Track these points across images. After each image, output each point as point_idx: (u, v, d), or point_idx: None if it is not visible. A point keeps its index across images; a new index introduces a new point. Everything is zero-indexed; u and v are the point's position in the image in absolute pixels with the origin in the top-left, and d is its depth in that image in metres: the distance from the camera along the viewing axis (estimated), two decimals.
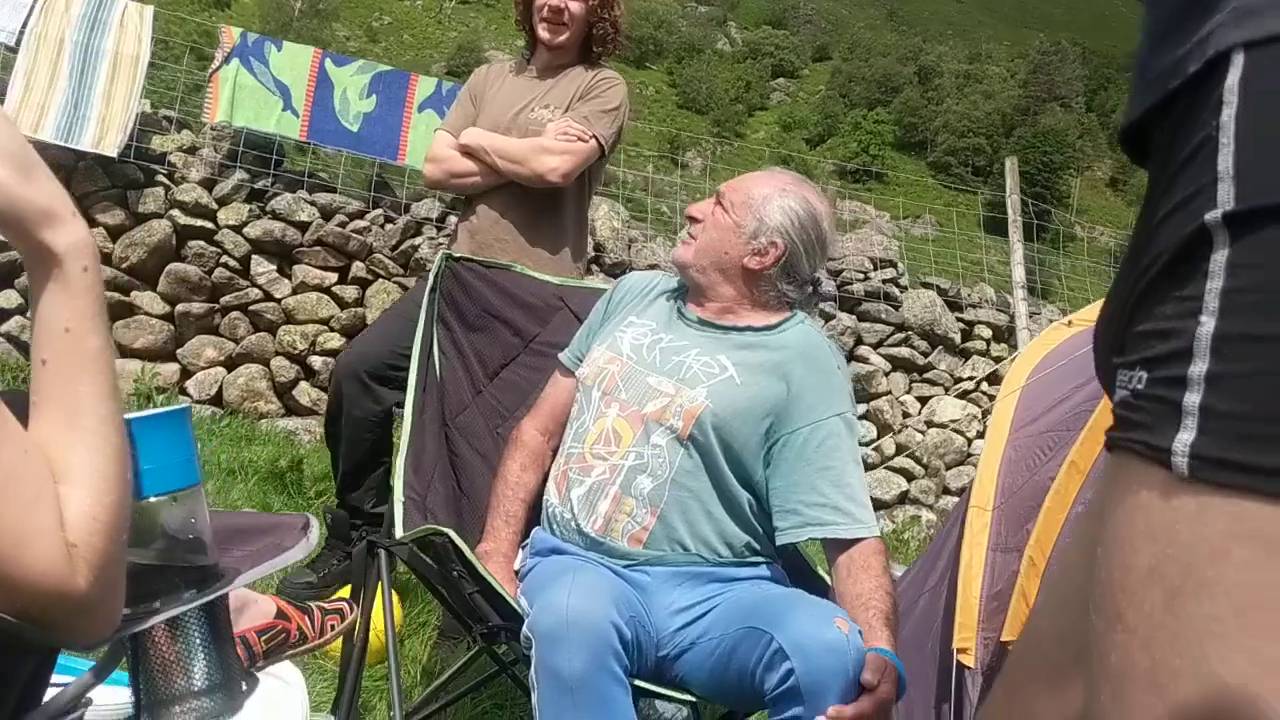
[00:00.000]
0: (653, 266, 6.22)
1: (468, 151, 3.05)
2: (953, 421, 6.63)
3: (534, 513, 2.22)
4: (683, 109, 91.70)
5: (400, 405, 3.04)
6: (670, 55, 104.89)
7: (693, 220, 2.22)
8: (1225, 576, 0.50)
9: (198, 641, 0.98)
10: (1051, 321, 7.13)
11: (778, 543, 2.07)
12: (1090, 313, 2.82)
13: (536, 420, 2.30)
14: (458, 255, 2.63)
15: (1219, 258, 0.53)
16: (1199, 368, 0.52)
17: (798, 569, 2.23)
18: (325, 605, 1.71)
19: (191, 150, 5.98)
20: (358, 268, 5.99)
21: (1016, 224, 6.99)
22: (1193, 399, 0.52)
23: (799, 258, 2.14)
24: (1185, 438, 0.52)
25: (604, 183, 7.77)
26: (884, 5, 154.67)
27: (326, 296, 5.94)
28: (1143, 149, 0.65)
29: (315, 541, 1.17)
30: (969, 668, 2.23)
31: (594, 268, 6.01)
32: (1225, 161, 0.54)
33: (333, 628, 1.67)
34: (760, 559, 2.09)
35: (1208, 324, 0.53)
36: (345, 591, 2.23)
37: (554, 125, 2.98)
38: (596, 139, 3.00)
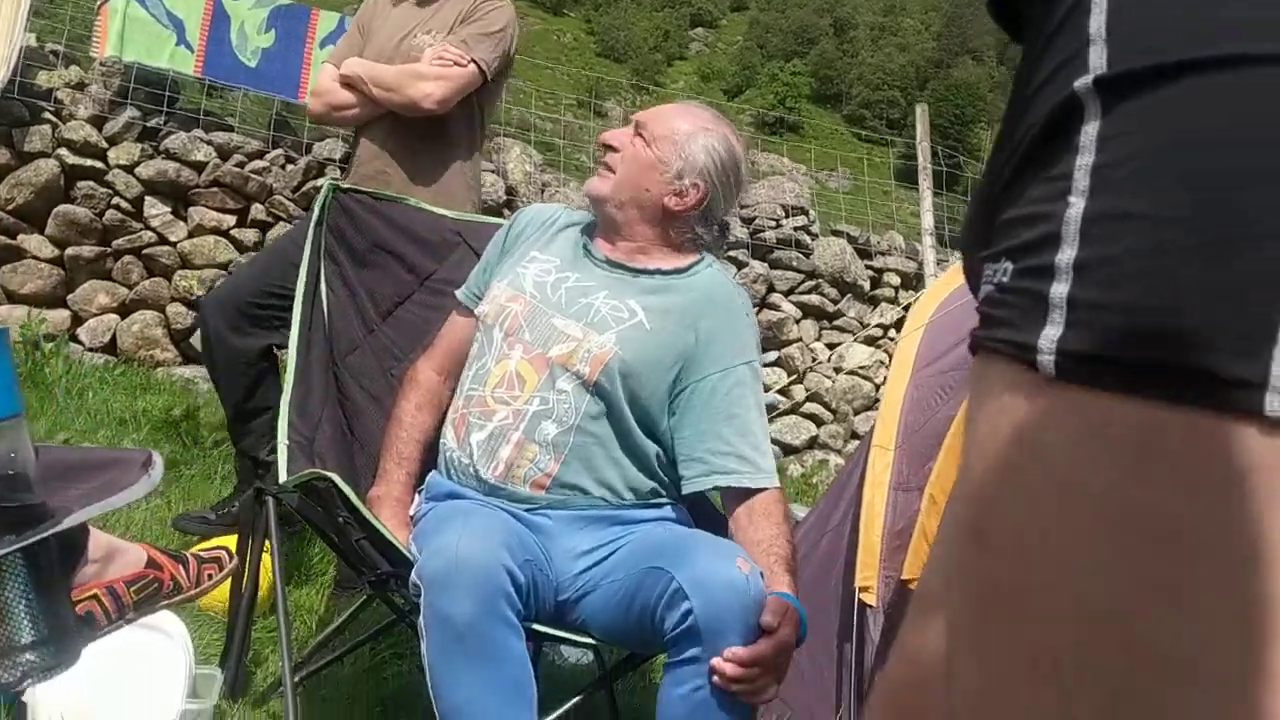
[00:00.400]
0: None
1: (348, 83, 2.94)
2: (861, 368, 6.69)
3: (430, 455, 2.14)
4: (601, 57, 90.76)
5: (281, 346, 2.93)
6: (588, 3, 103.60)
7: (609, 149, 2.10)
8: (1092, 487, 0.45)
9: (19, 589, 0.89)
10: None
11: (683, 491, 2.04)
12: None
13: (432, 360, 2.22)
14: (345, 186, 2.52)
15: (1090, 130, 0.47)
16: (1066, 254, 0.46)
17: (704, 512, 2.20)
18: (202, 553, 1.62)
19: (80, 86, 5.68)
20: (257, 210, 5.78)
21: (926, 171, 7.03)
22: (1060, 289, 0.46)
23: (717, 201, 2.07)
24: (1051, 333, 0.46)
25: (521, 127, 7.64)
26: None
27: (225, 240, 5.73)
28: (1016, 20, 0.58)
29: (158, 478, 1.09)
30: (870, 606, 2.23)
31: (505, 212, 5.90)
32: (1097, 22, 0.48)
33: (210, 577, 1.58)
34: (665, 501, 2.06)
35: (1076, 205, 0.46)
36: (230, 540, 2.14)
37: (430, 50, 2.87)
38: (476, 63, 2.87)
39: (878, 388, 6.75)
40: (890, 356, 6.80)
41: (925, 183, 6.98)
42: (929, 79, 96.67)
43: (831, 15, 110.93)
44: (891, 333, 6.80)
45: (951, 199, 8.55)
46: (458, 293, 2.27)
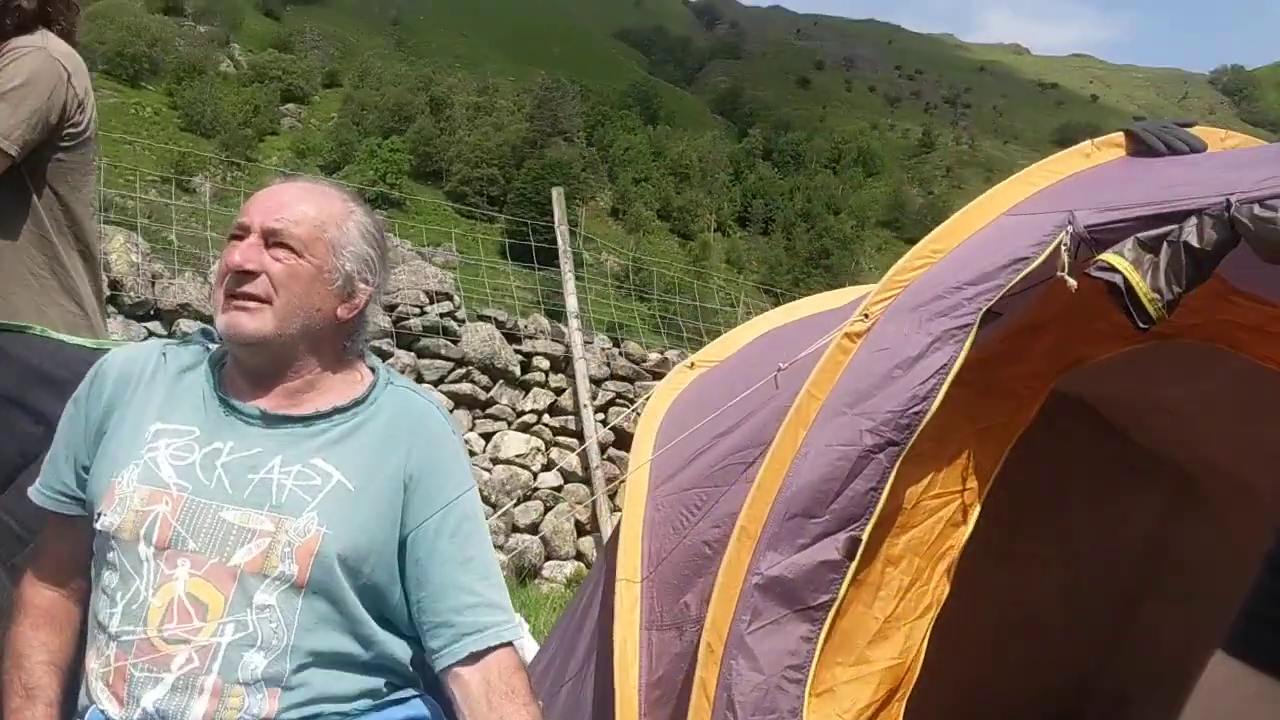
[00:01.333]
0: (184, 306, 5.45)
1: None
2: (519, 456, 6.48)
3: (73, 679, 1.63)
4: (187, 131, 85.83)
5: None
6: (169, 75, 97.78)
7: (245, 275, 1.57)
8: None
9: None
10: (604, 349, 7.25)
11: (437, 668, 1.64)
12: (711, 352, 2.70)
13: (43, 572, 1.69)
14: None
15: None
16: None
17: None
18: None
19: None
20: None
21: (567, 254, 7.01)
22: None
23: (380, 288, 1.71)
24: None
25: (101, 207, 6.74)
26: (391, 35, 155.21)
27: None
28: None
29: None
30: None
31: (111, 309, 5.13)
32: None
33: None
34: (411, 694, 1.67)
35: None
36: None
37: None
38: None
39: (535, 475, 6.56)
40: (545, 442, 6.67)
41: (567, 265, 6.95)
42: (525, 157, 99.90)
43: (427, 93, 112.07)
44: (546, 418, 6.66)
45: (556, 273, 8.58)
46: (36, 495, 1.70)
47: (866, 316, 2.01)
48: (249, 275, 1.57)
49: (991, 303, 1.95)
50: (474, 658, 1.60)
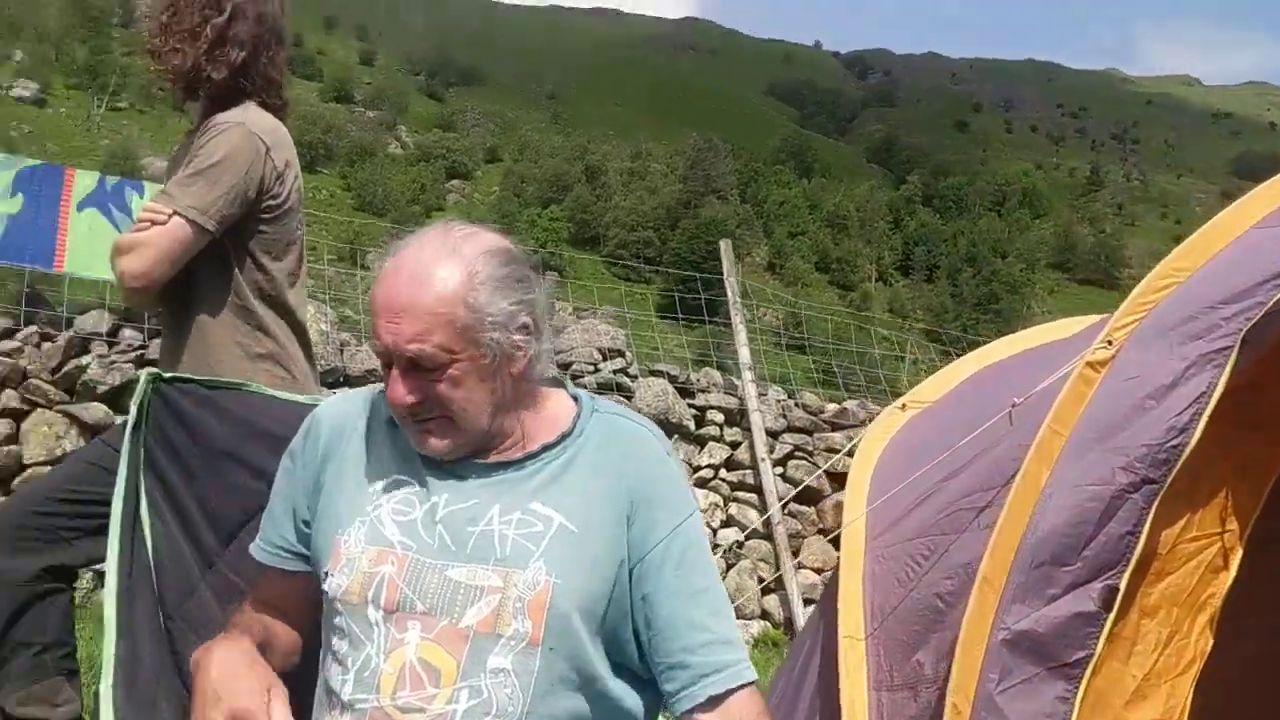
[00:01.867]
0: (370, 371, 5.58)
1: None
2: None
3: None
4: (359, 211, 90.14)
5: (67, 564, 2.32)
6: (342, 159, 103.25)
7: (415, 407, 1.49)
8: None
9: None
10: (780, 401, 7.10)
11: (676, 711, 1.52)
12: (923, 392, 2.54)
13: (245, 612, 1.66)
14: (169, 374, 1.97)
15: None
16: None
17: None
18: None
19: None
20: (9, 397, 4.96)
21: (737, 305, 6.90)
22: None
23: (541, 310, 1.55)
24: None
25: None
26: (547, 109, 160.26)
27: None
28: None
29: None
30: None
31: None
32: None
33: None
34: None
35: None
36: None
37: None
38: (182, 215, 2.21)
39: (715, 532, 6.43)
40: (724, 497, 6.54)
41: (737, 317, 6.83)
42: (679, 218, 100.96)
43: (583, 163, 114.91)
44: (723, 472, 6.53)
45: (715, 330, 8.47)
46: (257, 551, 1.68)
47: (1110, 343, 1.83)
48: (418, 404, 1.49)
49: (1253, 322, 1.75)
50: (714, 701, 1.48)
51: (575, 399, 1.63)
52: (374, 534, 1.51)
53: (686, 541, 1.54)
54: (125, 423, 1.83)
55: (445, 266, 1.46)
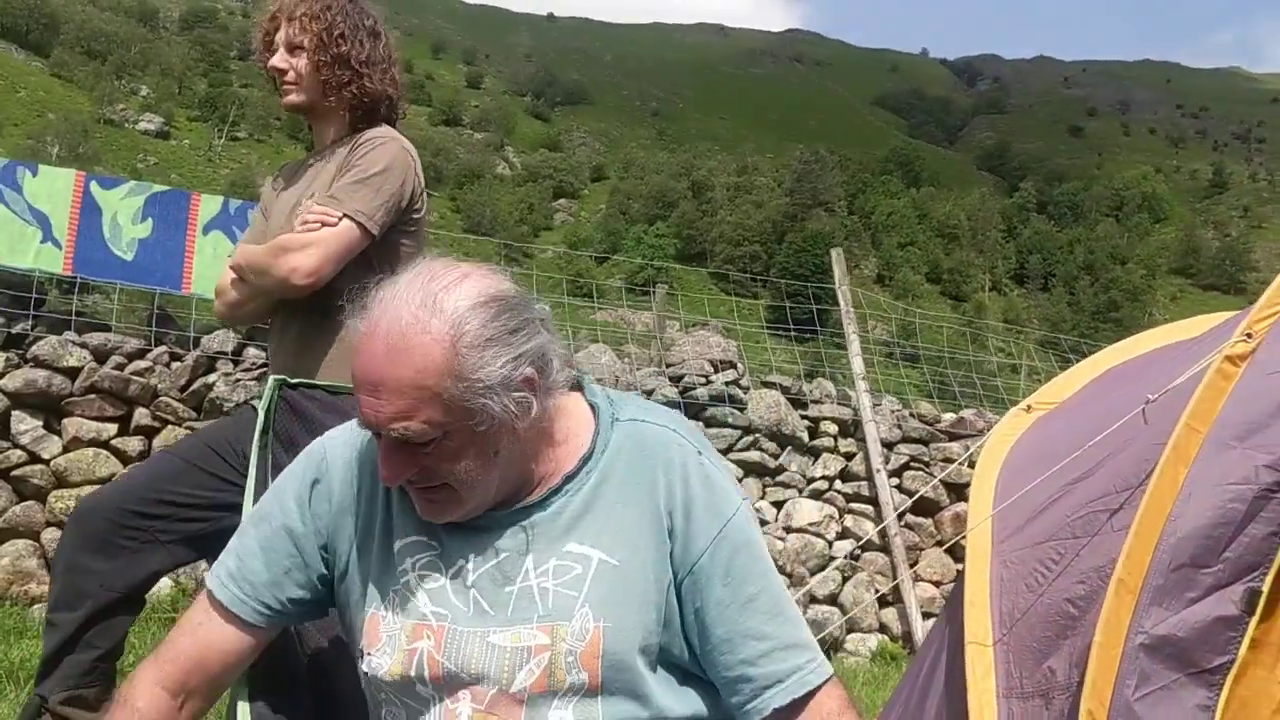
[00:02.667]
0: None
1: (238, 276, 2.46)
2: (812, 524, 6.28)
3: None
4: (469, 233, 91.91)
5: (161, 570, 2.43)
6: (450, 182, 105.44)
7: (414, 485, 1.39)
8: None
9: None
10: (894, 411, 6.99)
11: None
12: (1048, 393, 2.47)
13: (162, 670, 1.46)
14: (295, 380, 2.03)
15: None
16: None
17: None
18: None
19: None
20: (141, 415, 5.17)
21: (850, 315, 6.82)
22: None
23: (545, 356, 1.37)
24: None
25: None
26: (652, 125, 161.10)
27: (105, 451, 5.08)
28: None
29: None
30: None
31: None
32: None
33: None
34: None
35: None
36: None
37: (300, 214, 2.36)
38: (351, 217, 2.31)
39: (830, 544, 6.35)
40: (839, 509, 6.46)
41: (851, 327, 6.75)
42: (785, 231, 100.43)
43: (689, 179, 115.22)
44: (837, 484, 6.45)
45: (824, 343, 8.36)
46: (220, 590, 1.49)
47: (1250, 336, 1.76)
48: (425, 475, 1.37)
49: None
50: (781, 714, 1.42)
51: (593, 406, 1.50)
52: (406, 606, 1.43)
53: (732, 547, 1.42)
54: (224, 421, 1.89)
55: (425, 331, 1.28)
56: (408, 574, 1.43)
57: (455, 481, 1.35)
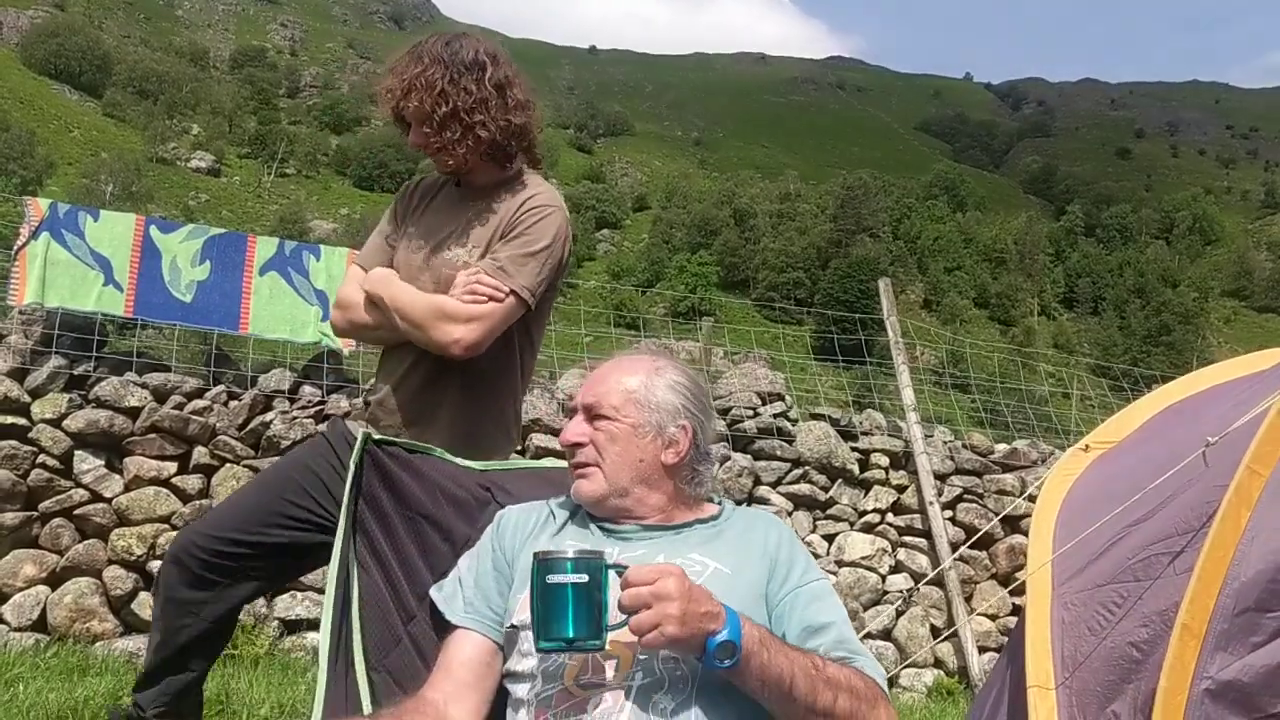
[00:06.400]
0: (535, 422, 5.71)
1: (372, 300, 2.48)
2: (864, 558, 6.24)
3: None
4: None
5: (247, 600, 2.59)
6: None
7: (575, 447, 1.84)
8: None
9: None
10: (946, 443, 6.93)
11: None
12: (1107, 432, 2.46)
13: (437, 687, 1.74)
14: (379, 437, 2.08)
15: None
16: None
17: None
18: None
19: None
20: (200, 453, 5.27)
21: (899, 345, 6.80)
22: None
23: (703, 429, 1.88)
24: None
25: None
26: (694, 155, 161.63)
27: (165, 490, 5.19)
28: None
29: None
30: None
31: None
32: None
33: None
34: None
35: None
36: None
37: (463, 277, 2.38)
38: (517, 293, 2.36)
39: (883, 579, 6.30)
40: (891, 543, 6.40)
41: (900, 357, 6.73)
42: (830, 258, 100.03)
43: (731, 206, 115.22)
44: (889, 517, 6.41)
45: (870, 370, 8.31)
46: (456, 616, 1.80)
47: None
48: (578, 446, 1.83)
49: None
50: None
51: (719, 504, 1.91)
52: None
53: (812, 594, 1.75)
54: (298, 454, 1.96)
55: (642, 361, 1.89)
56: None
57: (604, 461, 1.80)
